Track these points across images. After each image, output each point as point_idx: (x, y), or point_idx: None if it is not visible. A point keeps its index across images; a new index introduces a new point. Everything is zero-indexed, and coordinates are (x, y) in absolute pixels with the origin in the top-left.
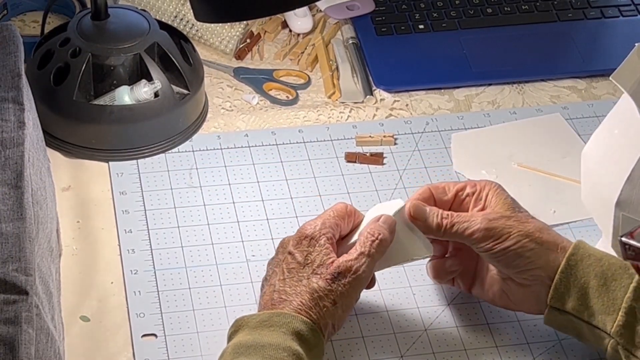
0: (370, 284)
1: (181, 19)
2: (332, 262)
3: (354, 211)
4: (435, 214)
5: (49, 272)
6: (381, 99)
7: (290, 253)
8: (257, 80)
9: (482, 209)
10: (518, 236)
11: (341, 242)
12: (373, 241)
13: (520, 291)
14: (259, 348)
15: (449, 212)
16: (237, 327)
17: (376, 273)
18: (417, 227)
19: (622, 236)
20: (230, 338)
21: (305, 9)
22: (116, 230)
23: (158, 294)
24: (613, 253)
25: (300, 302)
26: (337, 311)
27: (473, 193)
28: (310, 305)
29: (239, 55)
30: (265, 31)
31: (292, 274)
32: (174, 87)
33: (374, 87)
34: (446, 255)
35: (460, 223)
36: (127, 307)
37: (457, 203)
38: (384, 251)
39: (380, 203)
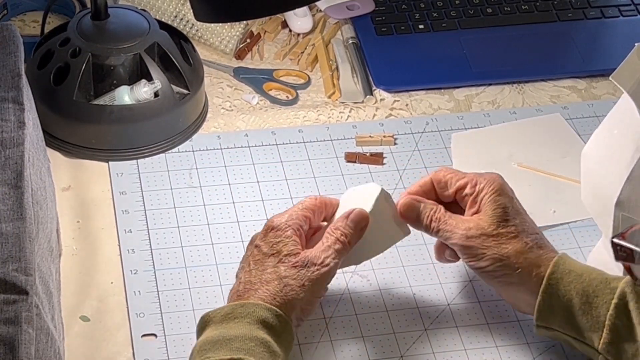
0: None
1: (181, 19)
2: (299, 253)
3: (325, 202)
4: (426, 215)
5: (49, 272)
6: (381, 99)
7: (256, 246)
8: (257, 80)
9: (477, 212)
10: (492, 259)
11: (314, 234)
12: (337, 239)
13: (504, 295)
14: (225, 342)
15: (439, 216)
16: (203, 324)
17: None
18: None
19: (613, 237)
20: (198, 335)
21: (305, 9)
22: (116, 230)
23: (158, 294)
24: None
25: (266, 289)
26: (304, 294)
27: (471, 194)
28: (275, 290)
29: (239, 55)
30: (265, 31)
31: (258, 264)
32: (174, 87)
33: (374, 87)
34: None
35: (444, 231)
36: (127, 307)
37: (458, 199)
38: (349, 250)
39: (355, 187)
